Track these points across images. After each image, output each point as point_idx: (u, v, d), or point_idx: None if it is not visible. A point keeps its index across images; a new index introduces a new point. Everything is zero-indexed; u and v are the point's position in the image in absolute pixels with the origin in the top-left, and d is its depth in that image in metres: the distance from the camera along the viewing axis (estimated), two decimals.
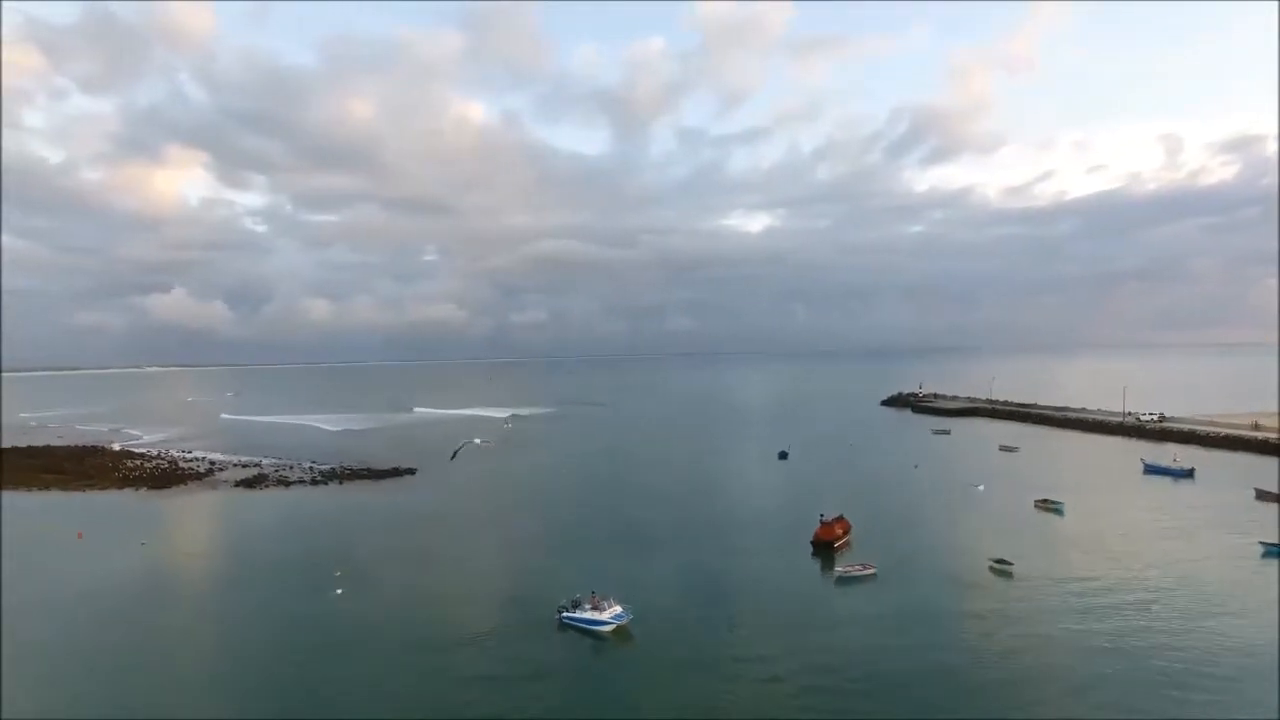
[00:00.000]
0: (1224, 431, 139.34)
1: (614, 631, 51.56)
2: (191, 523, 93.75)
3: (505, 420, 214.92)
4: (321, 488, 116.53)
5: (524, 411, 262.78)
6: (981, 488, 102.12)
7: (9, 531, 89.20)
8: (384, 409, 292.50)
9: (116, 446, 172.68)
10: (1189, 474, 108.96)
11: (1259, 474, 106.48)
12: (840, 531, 75.11)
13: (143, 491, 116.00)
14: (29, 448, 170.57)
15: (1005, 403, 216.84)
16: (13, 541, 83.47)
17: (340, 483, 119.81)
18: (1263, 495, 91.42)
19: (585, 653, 49.37)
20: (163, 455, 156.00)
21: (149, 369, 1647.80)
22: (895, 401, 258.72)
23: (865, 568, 65.10)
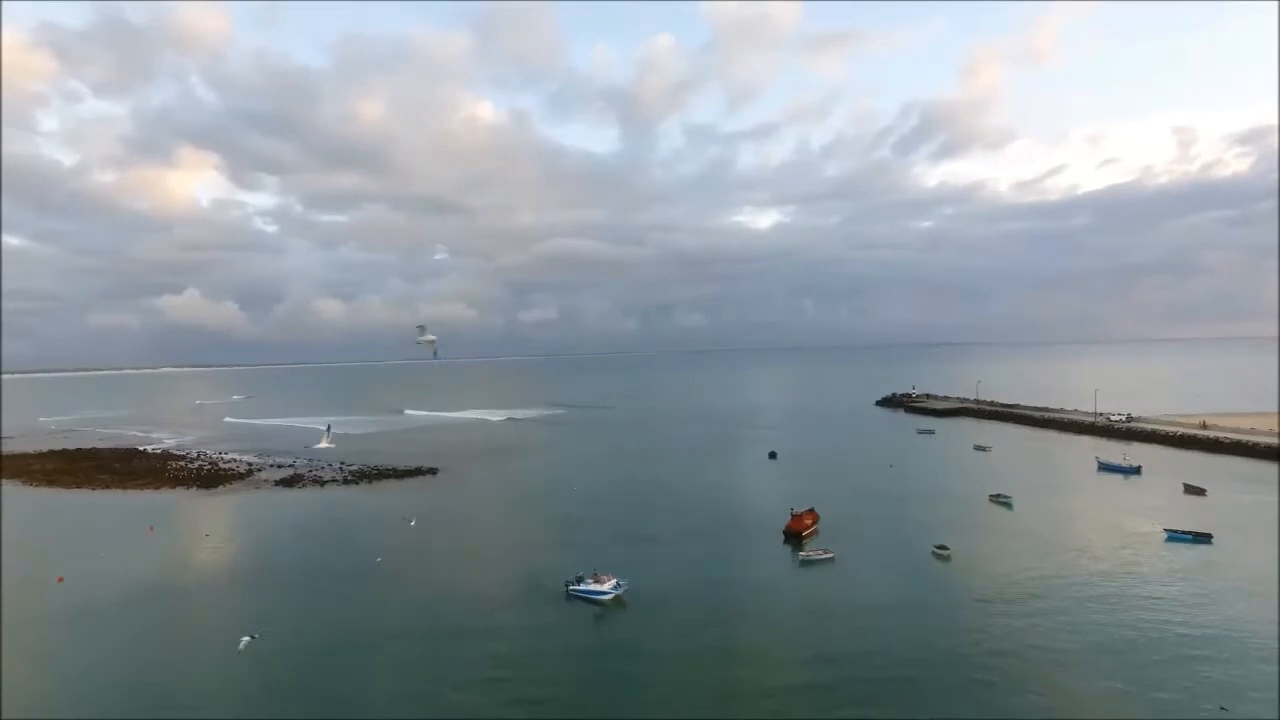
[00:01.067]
0: (1180, 431, 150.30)
1: (612, 600, 63.80)
2: (244, 518, 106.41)
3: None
4: (353, 486, 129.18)
5: (520, 414, 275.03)
6: (891, 465, 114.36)
7: (87, 525, 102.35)
8: (382, 412, 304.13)
9: (153, 449, 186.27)
10: (1136, 471, 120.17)
11: (1196, 470, 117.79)
12: (809, 523, 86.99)
13: (193, 490, 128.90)
14: (77, 450, 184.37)
15: (991, 403, 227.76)
16: (94, 534, 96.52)
17: (370, 482, 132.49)
18: (1189, 489, 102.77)
19: (589, 616, 61.59)
20: (203, 457, 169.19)
21: (163, 369, 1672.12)
22: (889, 402, 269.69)
23: (825, 553, 77.00)
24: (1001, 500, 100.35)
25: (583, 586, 65.19)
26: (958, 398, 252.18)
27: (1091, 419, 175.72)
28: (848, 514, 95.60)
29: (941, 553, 76.05)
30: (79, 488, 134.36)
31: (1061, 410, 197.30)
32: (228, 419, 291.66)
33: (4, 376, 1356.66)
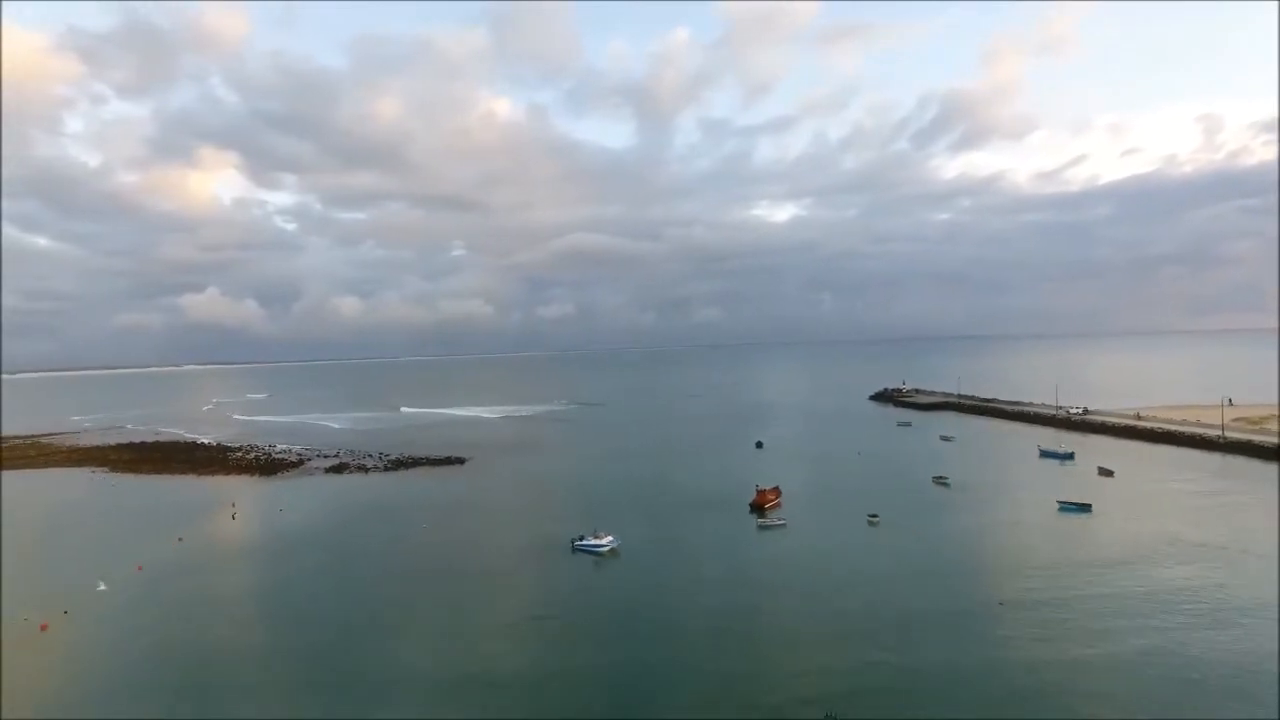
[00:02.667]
0: (1122, 422, 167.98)
1: (608, 552, 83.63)
2: (307, 496, 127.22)
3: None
4: (393, 473, 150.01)
5: (522, 411, 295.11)
6: (859, 453, 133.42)
7: (182, 501, 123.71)
8: (381, 409, 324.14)
9: (209, 441, 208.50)
10: (1070, 456, 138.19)
11: (1120, 456, 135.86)
12: (772, 498, 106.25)
13: (256, 477, 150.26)
14: (142, 444, 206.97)
15: (971, 397, 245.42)
16: (194, 510, 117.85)
17: (407, 469, 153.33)
18: (1102, 471, 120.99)
19: (589, 564, 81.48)
20: (256, 449, 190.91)
21: (186, 367, 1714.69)
22: (880, 396, 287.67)
23: (780, 521, 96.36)
24: (942, 481, 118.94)
25: (585, 541, 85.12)
26: (942, 392, 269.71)
27: (1053, 412, 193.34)
28: (809, 492, 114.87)
29: (873, 520, 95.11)
30: (159, 473, 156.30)
31: (1030, 404, 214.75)
32: (251, 416, 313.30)
33: (31, 375, 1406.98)
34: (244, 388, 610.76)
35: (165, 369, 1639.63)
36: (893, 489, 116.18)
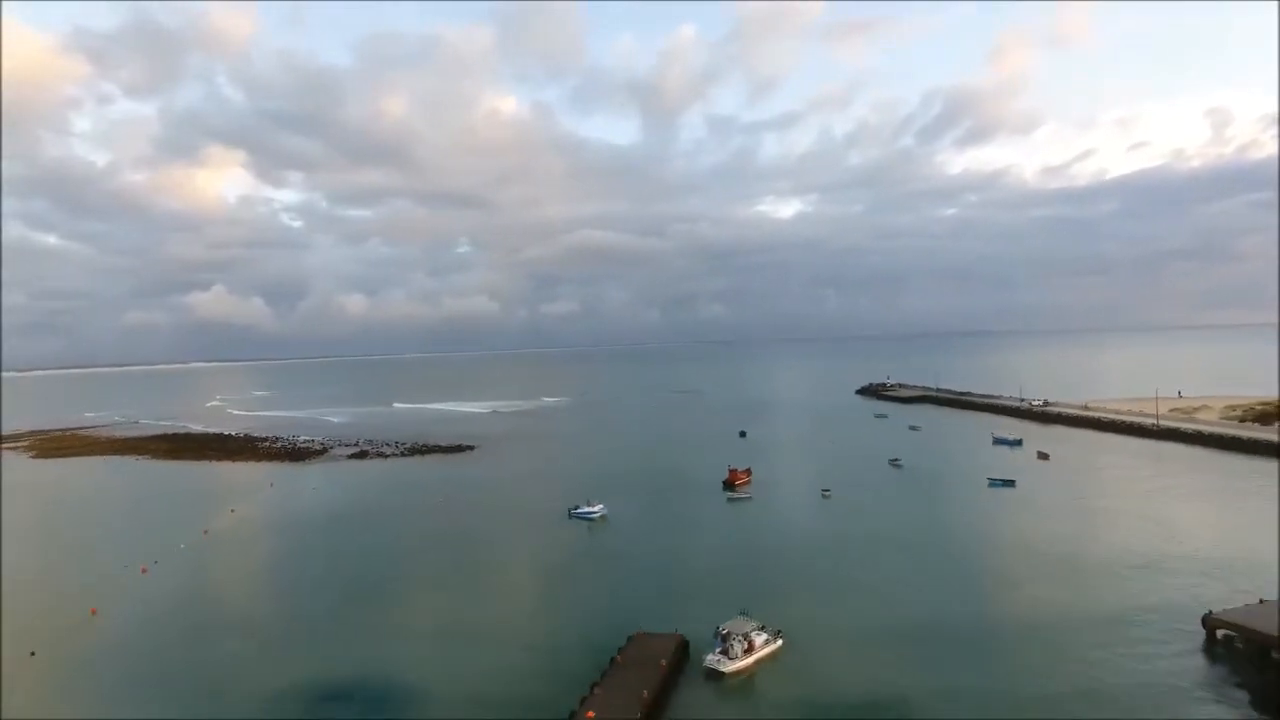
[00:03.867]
0: (1072, 412, 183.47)
1: (599, 518, 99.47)
2: (335, 478, 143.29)
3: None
4: (409, 458, 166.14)
5: (518, 406, 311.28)
6: (832, 441, 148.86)
7: (226, 482, 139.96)
8: (373, 404, 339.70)
9: (236, 433, 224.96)
10: (1018, 443, 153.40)
11: (1066, 442, 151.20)
12: (743, 477, 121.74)
13: (286, 463, 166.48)
14: (174, 434, 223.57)
15: (948, 391, 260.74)
16: (237, 489, 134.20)
17: (422, 455, 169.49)
18: (1040, 455, 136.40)
19: (583, 527, 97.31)
20: (282, 438, 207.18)
21: (193, 365, 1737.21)
22: (866, 391, 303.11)
23: (747, 495, 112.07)
24: (896, 463, 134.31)
25: (580, 509, 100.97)
26: (922, 387, 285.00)
27: (1017, 404, 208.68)
28: (779, 473, 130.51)
29: (825, 494, 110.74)
30: (197, 460, 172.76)
31: (1000, 397, 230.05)
32: (254, 412, 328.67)
33: (41, 373, 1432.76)
34: (249, 385, 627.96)
35: (173, 366, 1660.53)
36: (853, 470, 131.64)
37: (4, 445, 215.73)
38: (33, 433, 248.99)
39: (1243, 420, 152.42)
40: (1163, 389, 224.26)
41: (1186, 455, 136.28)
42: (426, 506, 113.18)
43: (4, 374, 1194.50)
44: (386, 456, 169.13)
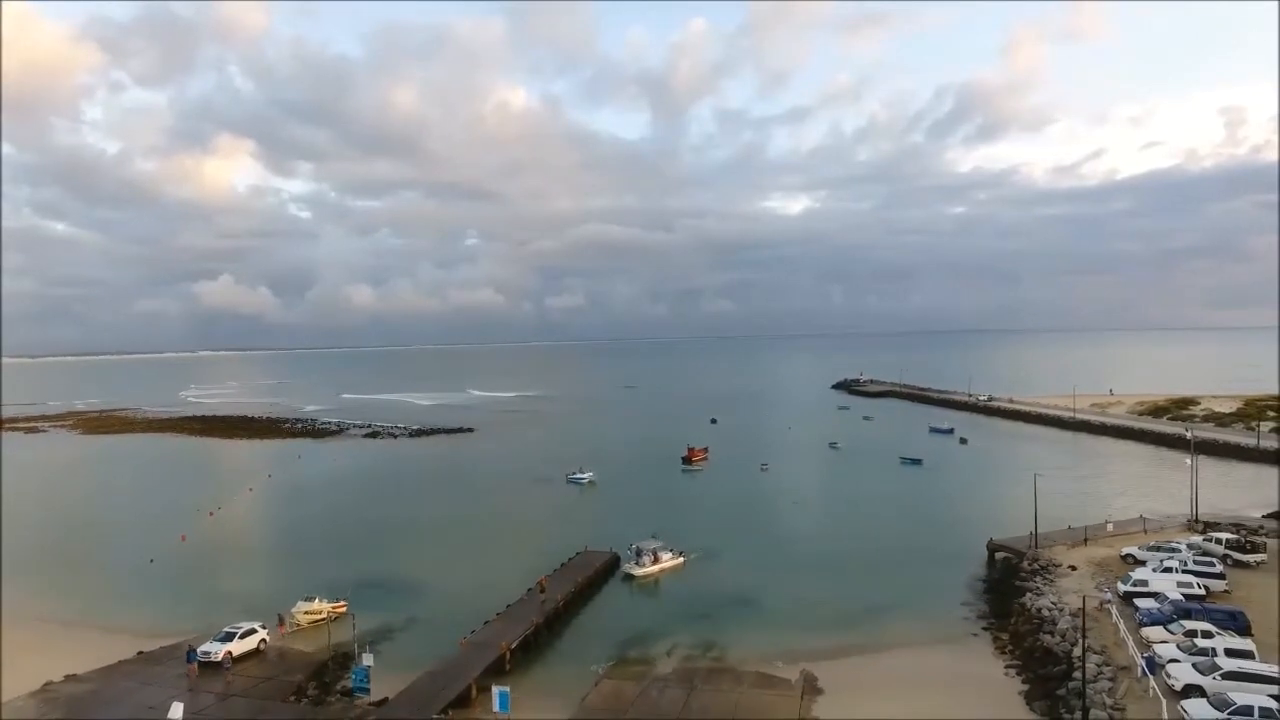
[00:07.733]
0: (1007, 406, 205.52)
1: (588, 483, 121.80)
2: (355, 453, 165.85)
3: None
4: (416, 438, 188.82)
5: (494, 397, 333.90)
6: (789, 428, 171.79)
7: (258, 455, 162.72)
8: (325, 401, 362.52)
9: (261, 415, 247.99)
10: (950, 431, 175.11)
11: (993, 432, 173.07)
12: (700, 454, 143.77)
13: (309, 440, 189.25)
14: (202, 417, 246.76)
15: (911, 387, 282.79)
16: (269, 459, 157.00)
17: (427, 435, 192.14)
18: (962, 440, 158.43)
19: (575, 490, 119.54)
20: (301, 419, 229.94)
21: (200, 353, 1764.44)
22: (840, 385, 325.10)
23: (699, 468, 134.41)
24: (834, 446, 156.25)
25: (574, 475, 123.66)
26: (890, 382, 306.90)
27: (966, 398, 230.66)
28: (734, 452, 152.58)
29: (764, 468, 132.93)
30: (228, 438, 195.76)
31: (954, 392, 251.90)
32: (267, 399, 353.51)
33: (53, 359, 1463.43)
34: (254, 375, 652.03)
35: (182, 355, 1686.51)
36: (797, 451, 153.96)
37: (50, 425, 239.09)
38: (72, 413, 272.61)
39: (1141, 415, 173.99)
40: (1129, 387, 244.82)
41: (1088, 442, 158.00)
42: (437, 472, 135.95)
43: (17, 360, 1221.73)
44: (396, 436, 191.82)
